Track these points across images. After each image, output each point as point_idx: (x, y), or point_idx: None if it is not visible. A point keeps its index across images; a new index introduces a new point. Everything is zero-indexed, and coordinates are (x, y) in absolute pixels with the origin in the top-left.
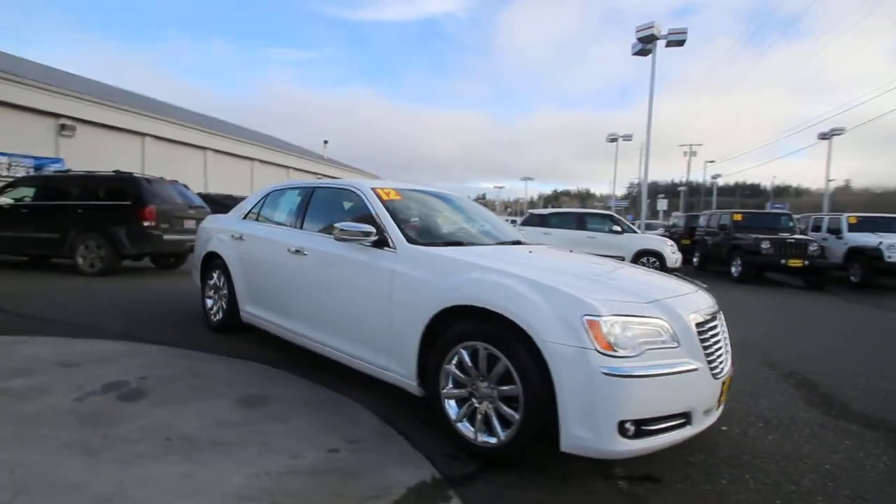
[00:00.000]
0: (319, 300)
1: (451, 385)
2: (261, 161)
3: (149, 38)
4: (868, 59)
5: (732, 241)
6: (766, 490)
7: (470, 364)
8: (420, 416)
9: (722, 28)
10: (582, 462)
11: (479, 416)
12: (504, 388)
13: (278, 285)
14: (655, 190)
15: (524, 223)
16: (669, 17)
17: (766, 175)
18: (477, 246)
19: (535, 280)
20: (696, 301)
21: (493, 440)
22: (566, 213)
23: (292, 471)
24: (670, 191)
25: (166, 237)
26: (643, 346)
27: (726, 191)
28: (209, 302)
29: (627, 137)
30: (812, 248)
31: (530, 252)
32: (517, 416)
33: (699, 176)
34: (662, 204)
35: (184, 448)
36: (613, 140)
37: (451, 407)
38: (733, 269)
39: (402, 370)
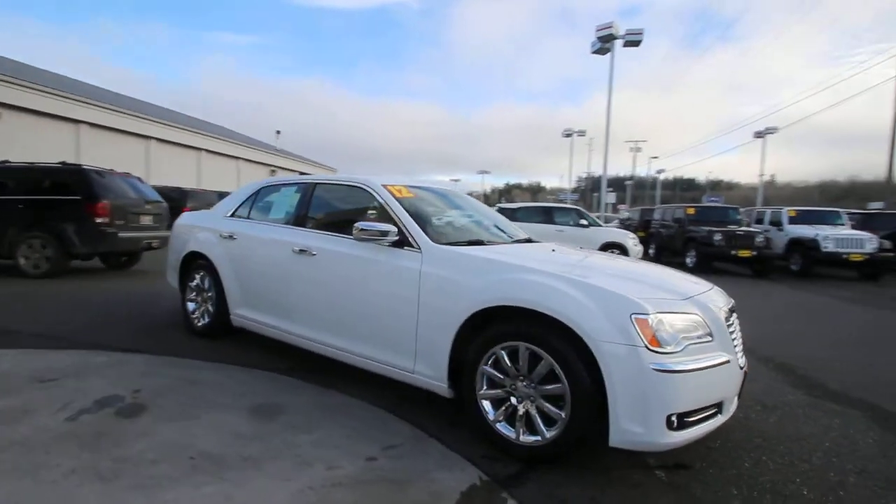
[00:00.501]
0: (331, 302)
1: (486, 386)
2: (209, 151)
3: (82, 21)
4: (793, 63)
5: (687, 233)
6: (785, 470)
7: (509, 364)
8: (445, 418)
9: (667, 29)
10: (616, 455)
11: (519, 416)
12: (547, 386)
13: (279, 287)
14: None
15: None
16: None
17: (702, 170)
18: (499, 245)
19: (579, 280)
20: (717, 296)
21: (537, 439)
22: (534, 208)
23: (336, 483)
24: (617, 184)
25: (121, 235)
26: (684, 342)
27: (667, 185)
28: (191, 305)
29: (581, 133)
30: (758, 239)
31: (553, 251)
32: (563, 414)
33: (643, 170)
34: (611, 197)
35: (210, 467)
36: (569, 135)
37: (487, 408)
38: (688, 260)
39: (430, 372)
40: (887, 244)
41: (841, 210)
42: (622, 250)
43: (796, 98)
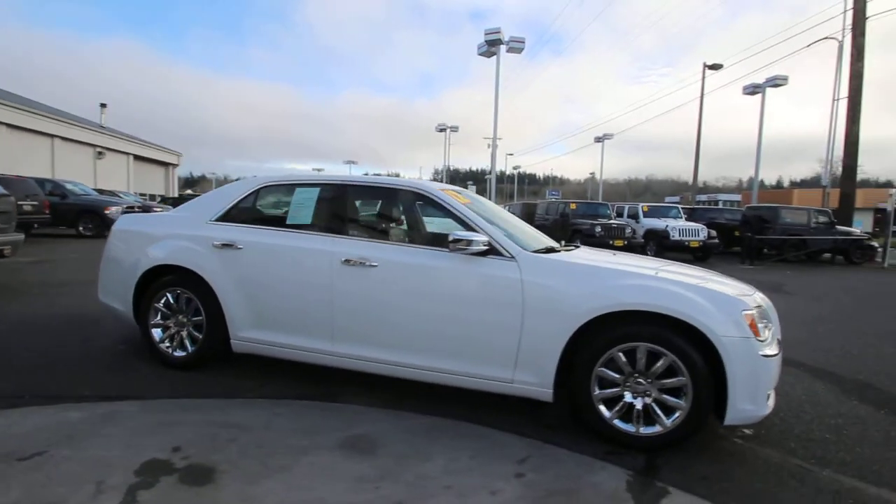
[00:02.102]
0: (400, 317)
1: (600, 387)
2: (10, 126)
3: None
4: (605, 79)
5: (572, 225)
6: (825, 441)
7: (626, 363)
8: (533, 421)
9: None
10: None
11: (637, 411)
12: (667, 381)
13: (317, 304)
14: (464, 177)
15: None
16: (468, 18)
17: (545, 167)
18: (573, 251)
19: (691, 284)
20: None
21: (657, 430)
22: None
23: None
24: (477, 178)
25: None
26: (766, 330)
27: (512, 179)
28: (158, 333)
29: (455, 129)
30: (628, 231)
31: (614, 254)
32: (684, 404)
33: (500, 166)
34: (472, 190)
35: None
36: (442, 130)
37: (602, 408)
38: None
39: (533, 379)
40: (714, 232)
41: (678, 204)
42: None
43: (611, 111)
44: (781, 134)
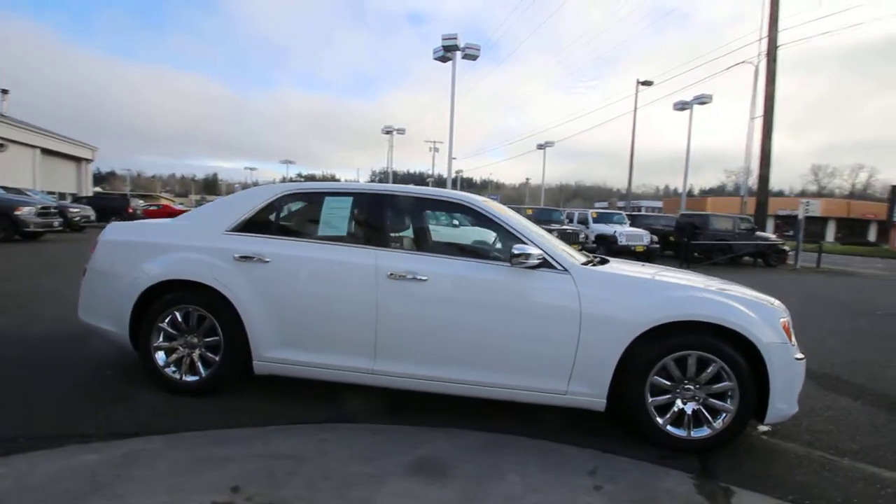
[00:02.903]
0: (453, 333)
1: (651, 394)
2: None
3: None
4: (537, 88)
5: None
6: (829, 432)
7: (677, 372)
8: (578, 431)
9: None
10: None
11: (688, 416)
12: (715, 385)
13: (360, 320)
14: (403, 180)
15: None
16: (406, 19)
17: (482, 171)
18: (620, 263)
19: (736, 295)
20: None
21: (707, 432)
22: None
23: None
24: (418, 181)
25: None
26: (794, 338)
27: (455, 183)
28: (161, 356)
29: (401, 131)
30: (581, 236)
31: (643, 265)
32: (731, 407)
33: (442, 169)
34: None
35: None
36: (389, 132)
37: (654, 414)
38: None
39: (588, 390)
40: (655, 237)
41: (622, 212)
42: None
43: (544, 118)
44: (692, 146)
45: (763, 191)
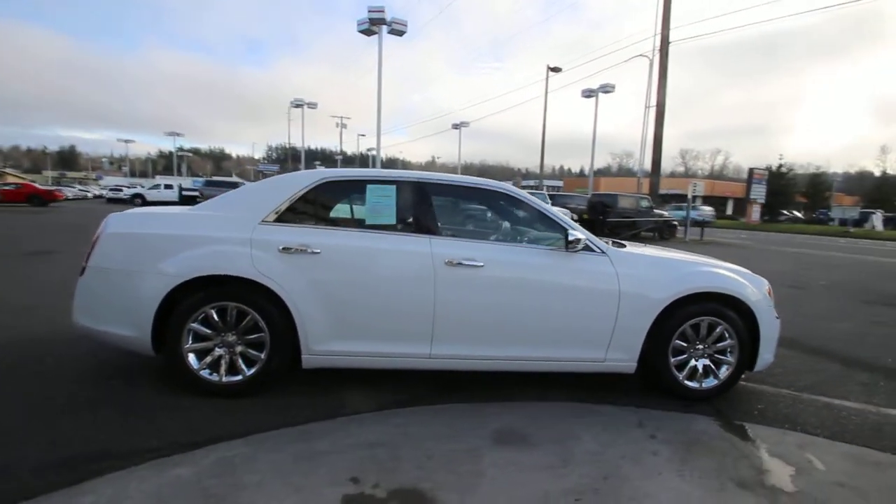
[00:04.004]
0: (510, 314)
1: (672, 355)
2: None
3: None
4: (441, 66)
5: (464, 211)
6: (787, 374)
7: (692, 335)
8: (609, 391)
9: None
10: None
11: (699, 370)
12: (720, 344)
13: (418, 306)
14: (308, 157)
15: None
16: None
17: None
18: (635, 245)
19: (734, 268)
20: None
21: (714, 383)
22: None
23: (684, 461)
24: (324, 158)
25: None
26: None
27: (366, 160)
28: (194, 358)
29: (313, 105)
30: None
31: (652, 246)
32: (731, 360)
33: (351, 147)
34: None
35: None
36: (299, 106)
37: (676, 372)
38: None
39: (623, 356)
40: (575, 216)
41: (545, 192)
42: None
43: (451, 98)
44: (582, 130)
45: (656, 173)
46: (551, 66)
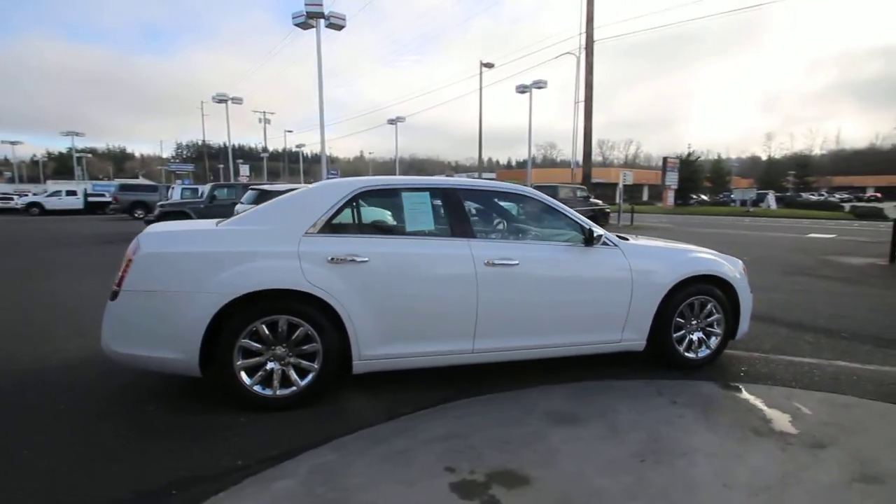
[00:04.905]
0: (543, 307)
1: (674, 331)
2: None
3: None
4: (365, 58)
5: None
6: (759, 340)
7: (690, 312)
8: (619, 367)
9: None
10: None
11: (694, 343)
12: (710, 318)
13: (462, 306)
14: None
15: (250, 201)
16: None
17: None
18: (635, 236)
19: (717, 253)
20: None
21: (707, 353)
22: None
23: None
24: (246, 156)
25: None
26: None
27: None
28: (246, 376)
29: (238, 101)
30: None
31: (645, 237)
32: (719, 332)
33: (277, 144)
34: (244, 169)
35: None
36: (223, 101)
37: (676, 344)
38: None
39: (635, 336)
40: None
41: None
42: None
43: (376, 92)
44: (506, 123)
45: (587, 163)
46: (483, 62)
